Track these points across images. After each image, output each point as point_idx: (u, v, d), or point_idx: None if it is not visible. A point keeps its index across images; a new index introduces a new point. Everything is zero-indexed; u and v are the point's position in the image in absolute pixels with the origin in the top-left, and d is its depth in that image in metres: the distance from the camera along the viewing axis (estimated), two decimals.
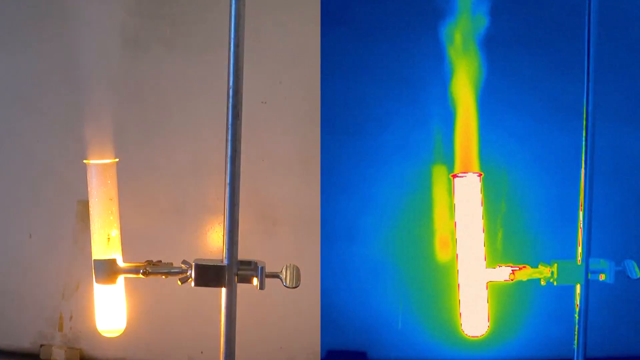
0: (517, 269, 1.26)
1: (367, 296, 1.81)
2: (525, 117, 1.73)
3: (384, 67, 1.76)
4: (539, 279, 1.26)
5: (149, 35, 1.92)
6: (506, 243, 1.73)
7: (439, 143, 1.71)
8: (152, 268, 1.07)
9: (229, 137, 1.00)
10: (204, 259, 1.03)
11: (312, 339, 1.85)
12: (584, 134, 1.20)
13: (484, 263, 1.29)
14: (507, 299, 1.73)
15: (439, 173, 1.75)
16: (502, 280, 1.27)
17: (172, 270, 1.07)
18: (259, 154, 1.87)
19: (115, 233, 1.12)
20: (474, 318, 1.31)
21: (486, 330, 1.31)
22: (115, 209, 1.12)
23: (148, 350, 1.96)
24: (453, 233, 1.32)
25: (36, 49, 1.97)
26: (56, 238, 1.99)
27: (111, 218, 1.12)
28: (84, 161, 1.12)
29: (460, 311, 1.31)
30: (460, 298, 1.31)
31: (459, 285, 1.31)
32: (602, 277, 1.23)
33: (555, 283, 1.24)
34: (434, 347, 1.79)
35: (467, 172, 1.32)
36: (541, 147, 1.74)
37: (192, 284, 1.03)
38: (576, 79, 1.24)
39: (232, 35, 1.00)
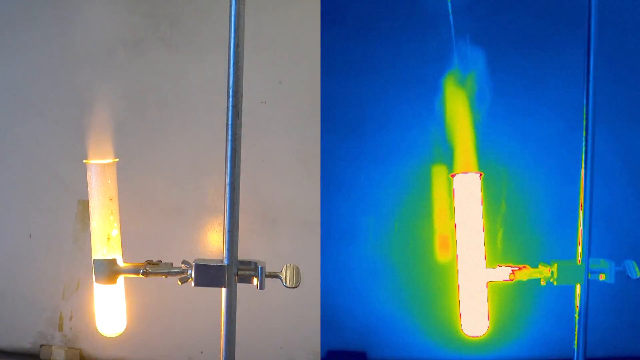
0: (517, 269, 1.26)
1: (367, 296, 1.81)
2: (525, 117, 1.73)
3: (383, 67, 1.76)
4: (539, 279, 1.26)
5: (149, 35, 1.92)
6: (506, 243, 1.72)
7: (438, 143, 1.71)
8: (152, 268, 1.07)
9: (229, 137, 1.00)
10: (204, 259, 1.03)
11: (312, 339, 1.85)
12: (584, 134, 1.20)
13: (484, 263, 1.29)
14: (507, 299, 1.73)
15: (439, 173, 1.75)
16: (502, 280, 1.27)
17: (172, 270, 1.07)
18: (259, 154, 1.88)
19: (115, 233, 1.12)
20: (474, 318, 1.30)
21: (486, 330, 1.31)
22: (115, 209, 1.12)
23: (148, 350, 1.96)
24: (453, 233, 1.32)
25: (36, 49, 1.97)
26: (56, 238, 1.99)
27: (111, 218, 1.12)
28: (84, 161, 1.12)
29: (460, 311, 1.31)
30: (460, 298, 1.31)
31: (459, 285, 1.31)
32: (602, 277, 1.23)
33: (555, 283, 1.23)
34: (434, 347, 1.79)
35: (467, 172, 1.32)
36: (541, 147, 1.74)
37: (192, 284, 1.03)
38: (576, 78, 1.24)
39: (232, 35, 0.99)
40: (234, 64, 1.00)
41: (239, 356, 1.04)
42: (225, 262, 1.01)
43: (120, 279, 1.11)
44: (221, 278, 1.01)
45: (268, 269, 1.02)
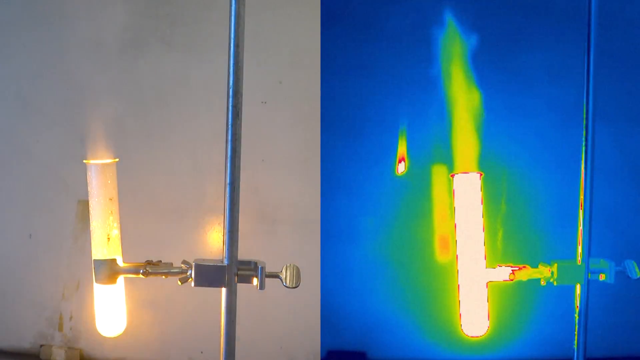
0: (517, 269, 1.26)
1: (367, 296, 1.81)
2: (525, 117, 1.73)
3: (383, 67, 1.76)
4: (539, 279, 1.26)
5: (149, 35, 1.92)
6: (506, 243, 1.72)
7: (439, 143, 1.71)
8: (152, 268, 1.07)
9: (229, 137, 1.00)
10: (204, 259, 1.03)
11: (312, 339, 1.85)
12: (584, 134, 1.20)
13: (484, 263, 1.29)
14: (507, 299, 1.73)
15: (439, 173, 1.75)
16: (502, 280, 1.27)
17: (172, 270, 1.07)
18: (259, 154, 1.87)
19: (115, 233, 1.12)
20: (474, 318, 1.30)
21: (486, 330, 1.31)
22: (115, 209, 1.12)
23: (148, 350, 1.96)
24: (453, 233, 1.32)
25: (36, 49, 1.97)
26: (56, 238, 1.99)
27: (111, 218, 1.12)
28: (84, 161, 1.12)
29: (460, 311, 1.31)
30: (460, 298, 1.31)
31: (459, 285, 1.31)
32: (602, 277, 1.23)
33: (555, 283, 1.23)
34: (434, 347, 1.79)
35: (467, 172, 1.32)
36: (541, 147, 1.74)
37: (192, 284, 1.03)
38: (576, 78, 1.24)
39: (232, 35, 0.99)
40: (234, 64, 1.00)
41: (239, 356, 1.04)
42: (225, 262, 1.01)
43: (120, 279, 1.11)
44: (221, 278, 1.01)
45: (268, 269, 1.02)
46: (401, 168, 1.62)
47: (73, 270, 1.98)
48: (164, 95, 1.92)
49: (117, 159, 1.13)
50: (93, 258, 1.11)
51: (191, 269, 1.03)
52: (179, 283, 1.04)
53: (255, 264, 1.02)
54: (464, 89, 1.63)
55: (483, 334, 1.31)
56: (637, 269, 1.23)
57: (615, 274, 1.22)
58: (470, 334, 1.31)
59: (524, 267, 1.27)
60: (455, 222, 1.31)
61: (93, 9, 1.92)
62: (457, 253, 1.31)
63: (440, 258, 1.76)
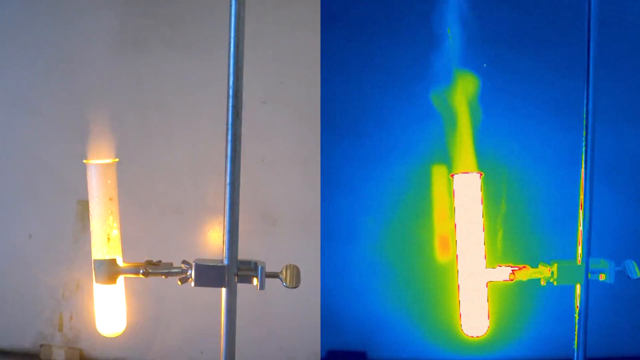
0: (517, 269, 1.26)
1: (367, 296, 1.81)
2: (525, 117, 1.73)
3: (384, 66, 1.76)
4: (539, 279, 1.26)
5: (149, 35, 1.92)
6: (506, 243, 1.72)
7: (438, 143, 1.71)
8: (152, 268, 1.07)
9: (229, 137, 1.00)
10: (204, 259, 1.03)
11: (312, 339, 1.85)
12: (584, 134, 1.20)
13: (484, 263, 1.29)
14: (507, 299, 1.73)
15: (439, 173, 1.75)
16: (502, 280, 1.27)
17: (172, 270, 1.07)
18: (259, 154, 1.88)
19: (115, 233, 1.12)
20: (474, 318, 1.30)
21: (486, 330, 1.31)
22: (115, 209, 1.12)
23: (148, 350, 1.96)
24: (453, 233, 1.32)
25: (36, 49, 1.97)
26: (56, 238, 1.99)
27: (111, 218, 1.12)
28: (84, 161, 1.12)
29: (460, 311, 1.31)
30: (460, 298, 1.31)
31: (458, 285, 1.31)
32: (602, 277, 1.23)
33: (555, 283, 1.23)
34: (434, 347, 1.79)
35: (467, 172, 1.32)
36: (541, 147, 1.74)
37: (192, 284, 1.03)
38: (576, 78, 1.24)
39: (232, 35, 0.99)
40: (234, 64, 1.00)
41: (239, 356, 1.04)
42: (225, 262, 1.01)
43: (120, 279, 1.11)
44: (221, 278, 1.01)
45: (268, 269, 1.02)
46: None
47: (73, 270, 1.98)
48: (164, 95, 1.92)
49: (117, 159, 1.13)
50: (93, 258, 1.11)
51: (191, 269, 1.03)
52: (179, 283, 1.04)
53: (255, 264, 1.02)
54: (464, 88, 1.63)
55: (483, 334, 1.31)
56: (637, 269, 1.23)
57: (615, 274, 1.22)
58: (470, 334, 1.31)
59: (524, 267, 1.27)
60: (455, 222, 1.31)
61: (93, 8, 1.92)
62: (457, 253, 1.31)
63: (440, 258, 1.76)
